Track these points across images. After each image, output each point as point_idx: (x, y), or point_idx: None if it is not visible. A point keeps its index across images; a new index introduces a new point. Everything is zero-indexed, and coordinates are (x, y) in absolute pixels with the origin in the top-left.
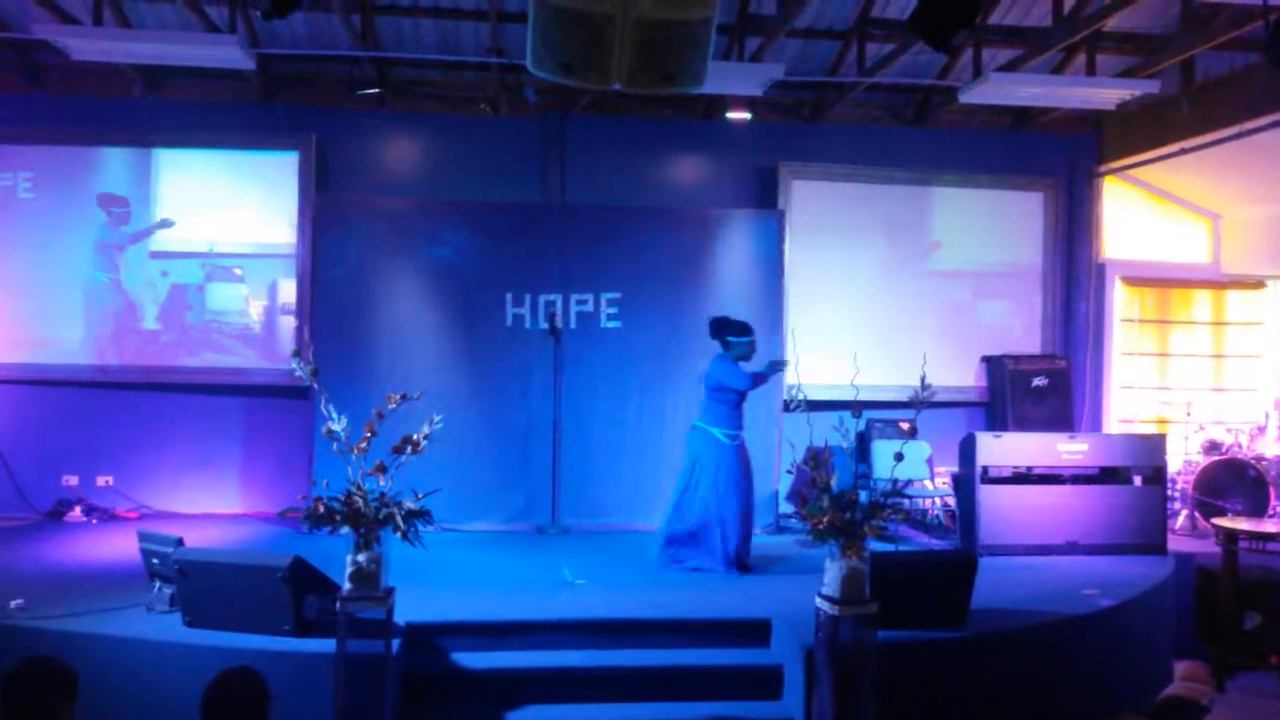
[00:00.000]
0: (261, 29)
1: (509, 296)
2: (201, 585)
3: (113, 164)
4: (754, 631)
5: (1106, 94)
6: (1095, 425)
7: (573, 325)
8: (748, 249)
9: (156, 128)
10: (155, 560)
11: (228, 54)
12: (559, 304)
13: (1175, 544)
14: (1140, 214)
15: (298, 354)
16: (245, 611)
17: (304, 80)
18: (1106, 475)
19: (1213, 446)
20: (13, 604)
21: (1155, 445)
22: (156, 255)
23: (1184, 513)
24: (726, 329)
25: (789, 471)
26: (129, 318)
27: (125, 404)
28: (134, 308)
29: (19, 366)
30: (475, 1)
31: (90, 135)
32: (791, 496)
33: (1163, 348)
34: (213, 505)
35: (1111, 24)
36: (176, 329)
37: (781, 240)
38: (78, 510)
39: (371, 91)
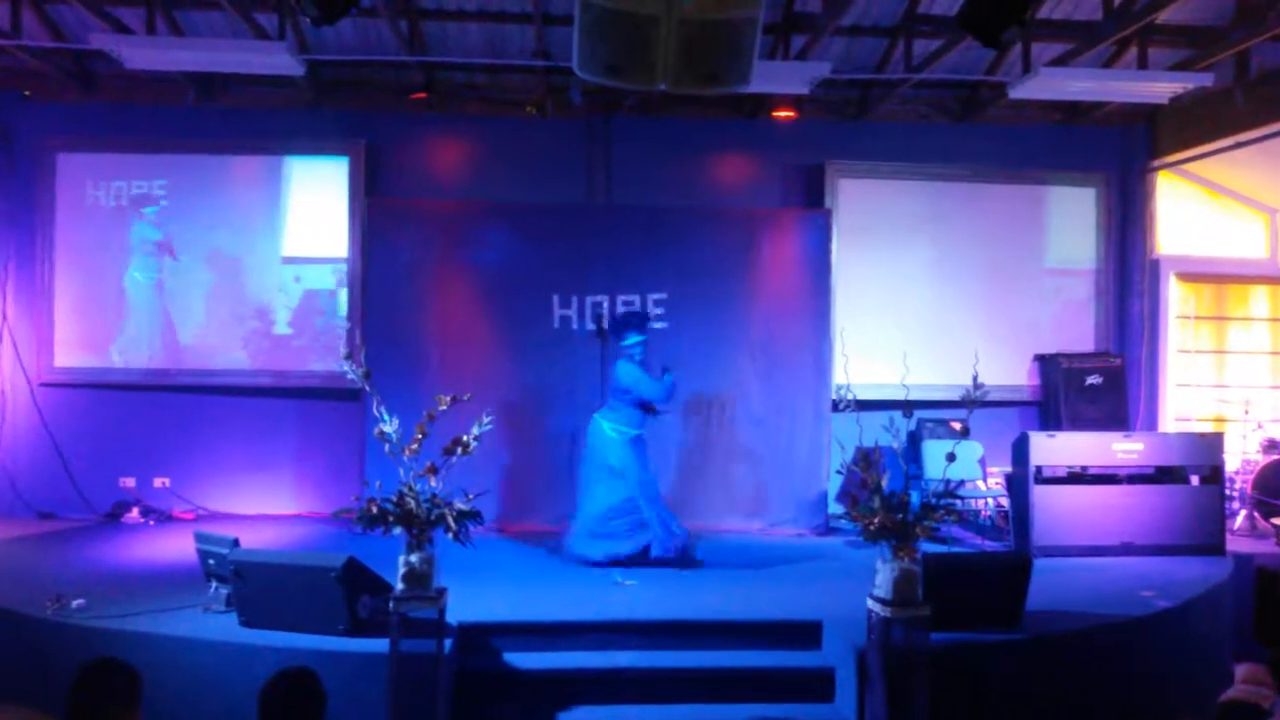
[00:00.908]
0: (310, 35)
1: (556, 298)
2: (257, 585)
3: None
4: (805, 633)
5: (1159, 88)
6: (1151, 424)
7: None
8: (795, 248)
9: (209, 134)
10: (211, 561)
11: (278, 61)
12: (605, 305)
13: (1234, 544)
14: (1195, 209)
15: (350, 356)
16: (300, 611)
17: (353, 85)
18: (1163, 475)
19: (1272, 445)
20: (74, 603)
21: (1212, 444)
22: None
23: (1243, 512)
24: (625, 327)
25: (839, 472)
26: (169, 320)
27: (181, 407)
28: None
29: (79, 370)
30: (520, 5)
31: (147, 143)
32: (841, 497)
33: (1219, 345)
34: (267, 506)
35: (1164, 17)
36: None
37: (829, 239)
38: (135, 511)
39: (419, 96)
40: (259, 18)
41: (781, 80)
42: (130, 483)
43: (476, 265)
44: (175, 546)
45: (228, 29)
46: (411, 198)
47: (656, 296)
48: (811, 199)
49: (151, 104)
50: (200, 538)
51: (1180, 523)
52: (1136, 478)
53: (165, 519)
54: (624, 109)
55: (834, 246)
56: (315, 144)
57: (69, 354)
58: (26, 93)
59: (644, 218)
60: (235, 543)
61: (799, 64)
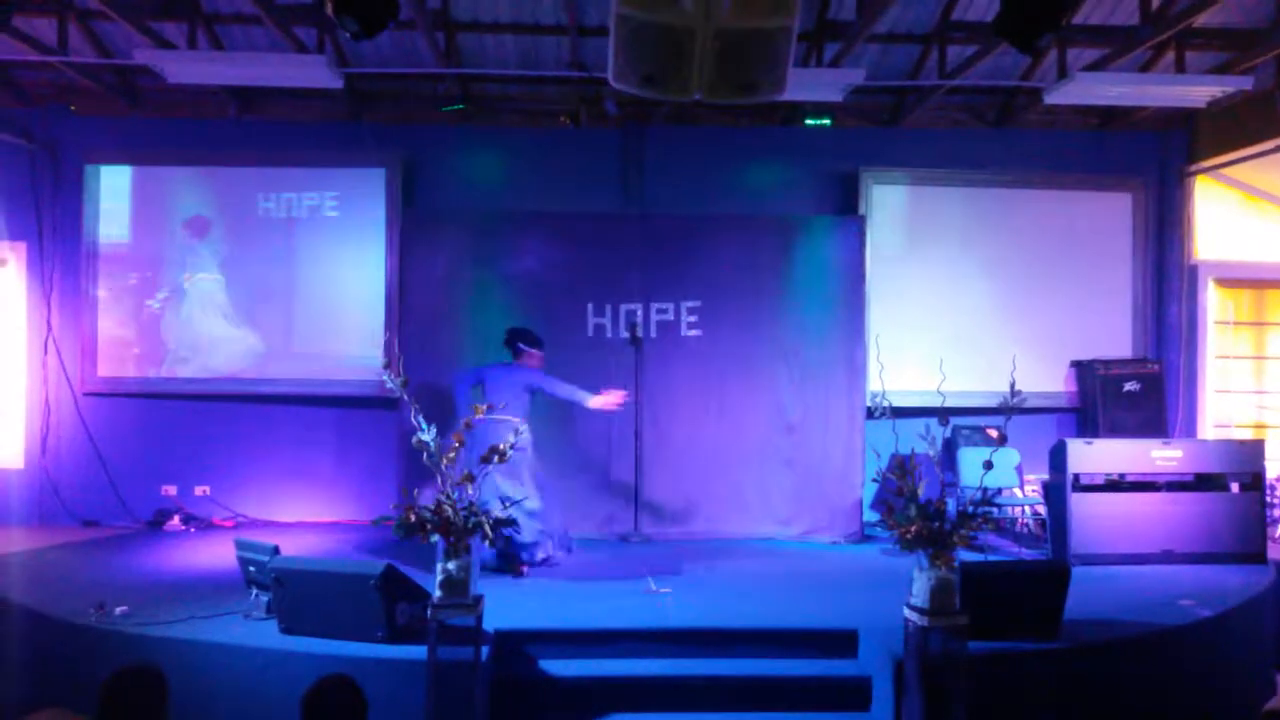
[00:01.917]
0: (348, 49)
1: (590, 306)
2: (297, 593)
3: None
4: (841, 642)
5: (1197, 92)
6: (1190, 431)
7: (653, 334)
8: (829, 255)
9: (249, 147)
10: (252, 568)
11: (317, 74)
12: (640, 313)
13: (1275, 553)
14: (1234, 214)
15: (388, 366)
16: (339, 618)
17: (390, 98)
18: (1202, 482)
19: None
20: (117, 610)
21: (1253, 451)
22: None
23: None
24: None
25: (874, 480)
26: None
27: (221, 416)
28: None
29: (121, 381)
30: (555, 16)
31: (189, 156)
32: (877, 505)
33: (1259, 350)
34: (305, 514)
35: (1201, 20)
36: None
37: (863, 246)
38: (176, 519)
39: (455, 108)
40: (298, 32)
41: (815, 88)
42: (171, 491)
43: (512, 274)
44: (216, 554)
45: (267, 43)
46: (447, 208)
47: (690, 304)
48: (845, 206)
49: (193, 118)
50: (241, 545)
51: (1220, 531)
52: (1175, 485)
53: (206, 527)
54: (658, 118)
55: (868, 253)
56: (353, 156)
57: (111, 364)
58: (72, 107)
59: (678, 226)
60: (275, 550)
61: (833, 71)
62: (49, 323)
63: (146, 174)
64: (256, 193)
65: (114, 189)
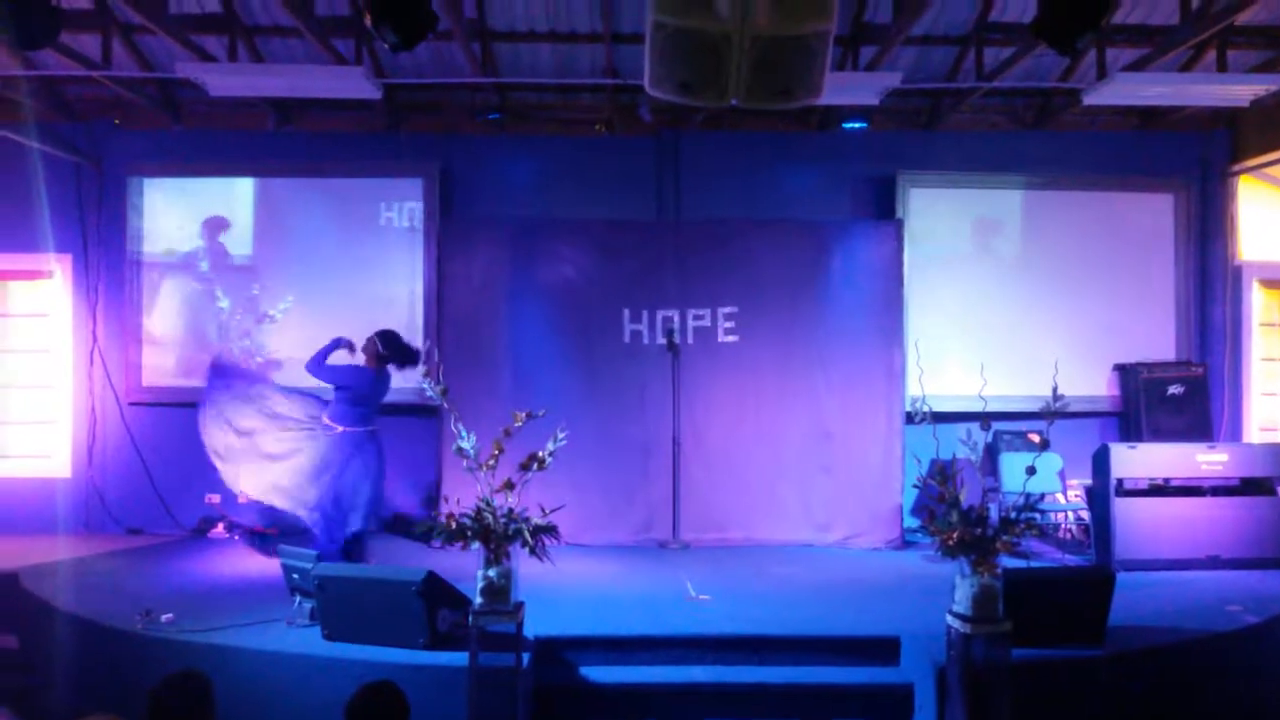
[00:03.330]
0: (386, 59)
1: (626, 313)
2: (339, 600)
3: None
4: (882, 649)
5: (1239, 91)
6: (1235, 434)
7: (690, 340)
8: (866, 259)
9: (288, 158)
10: (295, 576)
11: (356, 85)
12: (676, 319)
13: None
14: (1278, 214)
15: (428, 374)
16: (381, 625)
17: (427, 108)
18: (1249, 486)
19: None
20: (163, 618)
21: None
22: None
23: None
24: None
25: (915, 486)
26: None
27: None
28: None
29: (166, 390)
30: (590, 24)
31: (230, 167)
32: (917, 511)
33: None
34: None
35: (1243, 18)
36: None
37: (900, 250)
38: (220, 527)
39: (492, 117)
40: (337, 44)
41: (851, 91)
42: (215, 499)
43: (548, 282)
44: (259, 562)
45: (306, 55)
46: (484, 216)
47: (727, 310)
48: (883, 210)
49: (233, 129)
50: (284, 553)
51: (1267, 535)
52: (1221, 490)
53: (249, 534)
54: (693, 124)
55: (906, 257)
56: (391, 166)
57: (156, 373)
58: (116, 121)
59: (714, 232)
60: (318, 557)
61: (869, 74)
62: (94, 334)
63: (186, 185)
64: (296, 203)
65: (155, 199)
